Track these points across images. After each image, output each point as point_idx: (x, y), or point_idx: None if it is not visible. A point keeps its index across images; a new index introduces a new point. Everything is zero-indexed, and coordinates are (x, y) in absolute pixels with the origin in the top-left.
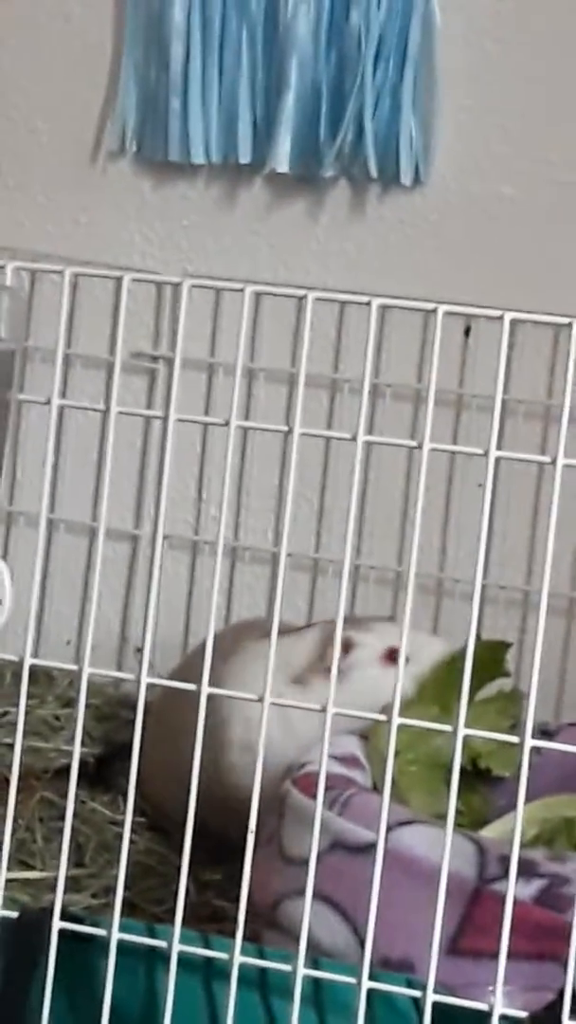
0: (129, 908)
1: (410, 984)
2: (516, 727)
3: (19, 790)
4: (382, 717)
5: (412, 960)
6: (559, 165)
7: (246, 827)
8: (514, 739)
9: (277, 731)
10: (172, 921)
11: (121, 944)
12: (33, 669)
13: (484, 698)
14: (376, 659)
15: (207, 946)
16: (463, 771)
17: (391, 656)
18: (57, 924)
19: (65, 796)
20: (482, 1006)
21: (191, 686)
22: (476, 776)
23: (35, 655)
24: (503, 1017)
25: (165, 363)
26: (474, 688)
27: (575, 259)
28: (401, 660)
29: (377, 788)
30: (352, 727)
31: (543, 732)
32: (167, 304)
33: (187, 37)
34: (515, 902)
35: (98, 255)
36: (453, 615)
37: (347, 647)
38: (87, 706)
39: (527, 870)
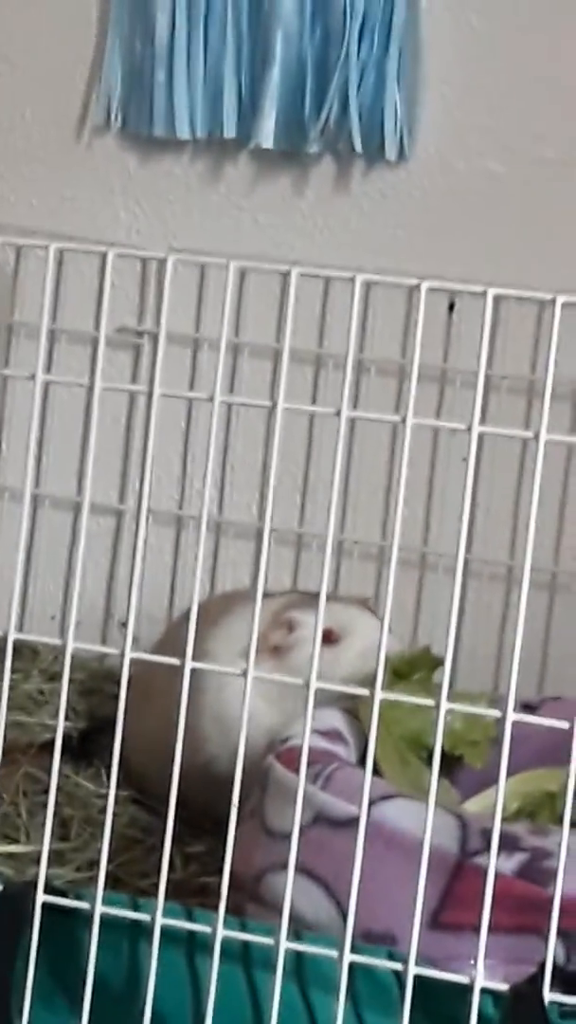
0: (113, 882)
1: (392, 957)
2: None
3: (3, 764)
4: (365, 691)
5: (394, 933)
6: (544, 141)
7: (226, 799)
8: (496, 713)
9: (237, 705)
10: (156, 894)
11: (105, 917)
12: (18, 644)
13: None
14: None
15: (190, 919)
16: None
17: (328, 637)
18: (41, 897)
19: (49, 770)
20: (463, 979)
21: (174, 660)
22: (447, 763)
23: (20, 630)
24: (484, 990)
25: (150, 338)
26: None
27: (559, 235)
28: (384, 635)
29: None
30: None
31: (525, 706)
32: (152, 279)
33: (172, 10)
34: (497, 876)
35: (83, 230)
36: (436, 589)
37: (290, 627)
38: (71, 680)
39: (509, 844)
